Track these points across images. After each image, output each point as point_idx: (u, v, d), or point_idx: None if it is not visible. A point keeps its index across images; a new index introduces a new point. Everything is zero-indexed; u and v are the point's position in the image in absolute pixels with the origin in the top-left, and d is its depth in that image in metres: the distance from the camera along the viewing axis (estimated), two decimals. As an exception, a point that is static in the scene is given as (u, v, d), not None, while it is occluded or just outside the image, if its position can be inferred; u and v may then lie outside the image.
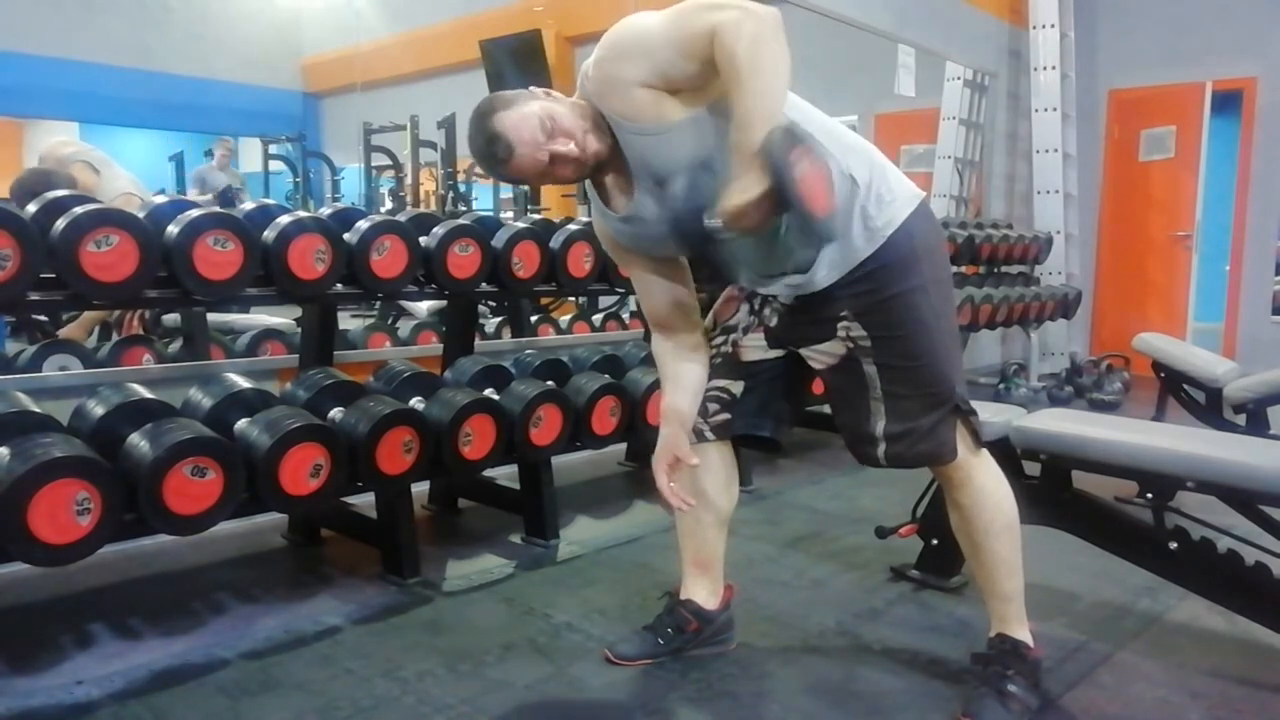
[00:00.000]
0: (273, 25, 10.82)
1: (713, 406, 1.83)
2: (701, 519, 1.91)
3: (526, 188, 6.56)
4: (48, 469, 1.69)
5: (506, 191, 8.64)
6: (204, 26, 10.08)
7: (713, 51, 1.43)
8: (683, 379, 1.82)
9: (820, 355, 1.71)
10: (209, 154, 8.72)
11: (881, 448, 1.67)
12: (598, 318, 4.88)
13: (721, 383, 1.83)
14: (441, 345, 3.16)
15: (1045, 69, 5.93)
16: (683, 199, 1.55)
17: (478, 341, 3.16)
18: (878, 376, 1.64)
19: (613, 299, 5.07)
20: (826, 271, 1.61)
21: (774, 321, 1.77)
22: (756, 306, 1.80)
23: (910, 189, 1.65)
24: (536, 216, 4.15)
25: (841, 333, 1.65)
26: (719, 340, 1.85)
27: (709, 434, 1.83)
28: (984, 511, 1.72)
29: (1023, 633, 1.74)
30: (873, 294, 1.60)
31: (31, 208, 2.06)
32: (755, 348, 1.80)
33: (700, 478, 1.86)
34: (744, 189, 1.37)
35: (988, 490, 1.72)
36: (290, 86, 11.04)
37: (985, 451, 1.75)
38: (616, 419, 2.77)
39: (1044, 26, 5.93)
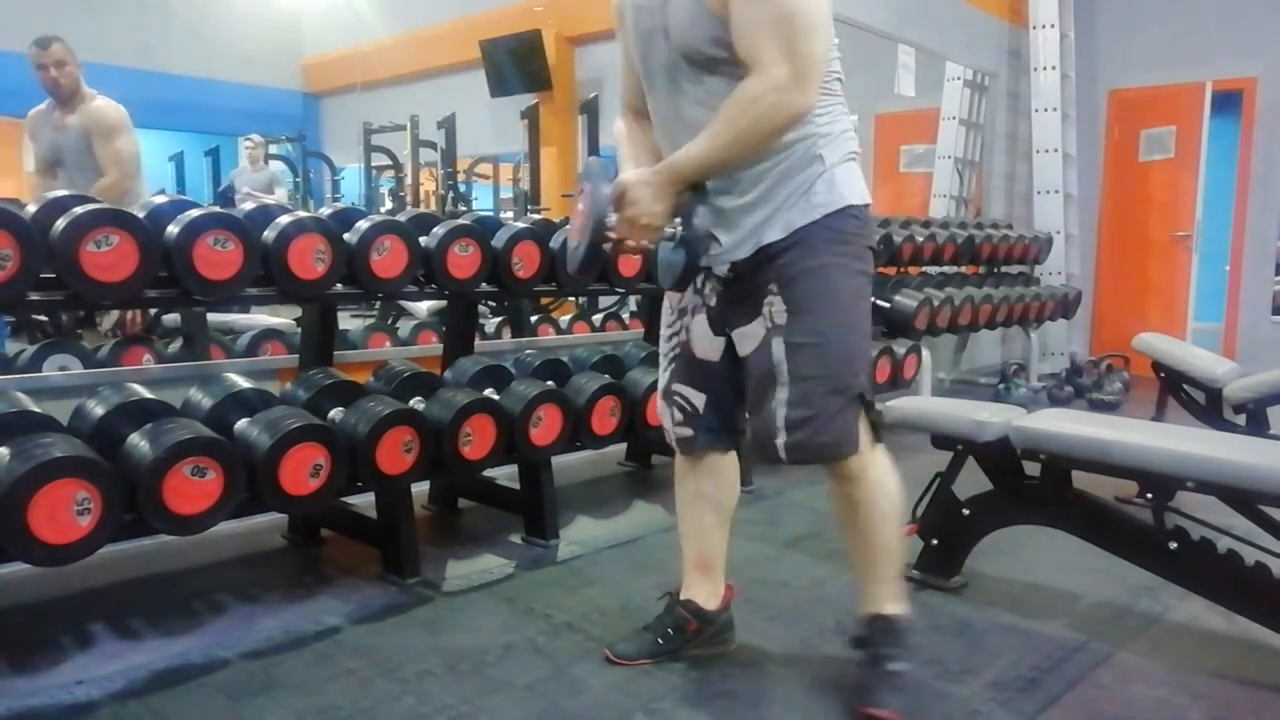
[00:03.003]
0: (273, 25, 10.82)
1: (677, 415, 1.85)
2: (704, 519, 1.93)
3: (526, 188, 6.56)
4: (48, 469, 1.69)
5: (506, 192, 8.65)
6: (204, 26, 10.07)
7: (735, 50, 1.50)
8: (642, 158, 1.75)
9: (746, 340, 1.69)
10: (208, 154, 8.72)
11: (781, 439, 1.64)
12: (598, 318, 4.88)
13: (682, 389, 1.84)
14: (441, 345, 3.16)
15: (1045, 69, 5.93)
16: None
17: (478, 341, 3.15)
18: (785, 358, 1.63)
19: (613, 299, 5.07)
20: (761, 235, 1.62)
21: (713, 300, 1.76)
22: (699, 284, 1.77)
23: (863, 191, 1.68)
24: (536, 217, 4.15)
25: (765, 309, 1.64)
26: (676, 325, 1.84)
27: (672, 442, 1.89)
28: (881, 501, 1.71)
29: (895, 606, 1.77)
30: (798, 262, 1.61)
31: (31, 207, 2.06)
32: (703, 337, 1.79)
33: (701, 479, 1.89)
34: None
35: (881, 481, 1.72)
36: (290, 86, 11.04)
37: (880, 445, 1.73)
38: (616, 419, 2.77)
39: (1044, 26, 5.93)
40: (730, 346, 1.75)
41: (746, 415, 1.79)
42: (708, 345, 1.79)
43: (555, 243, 2.82)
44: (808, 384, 1.61)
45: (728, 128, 1.50)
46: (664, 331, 1.89)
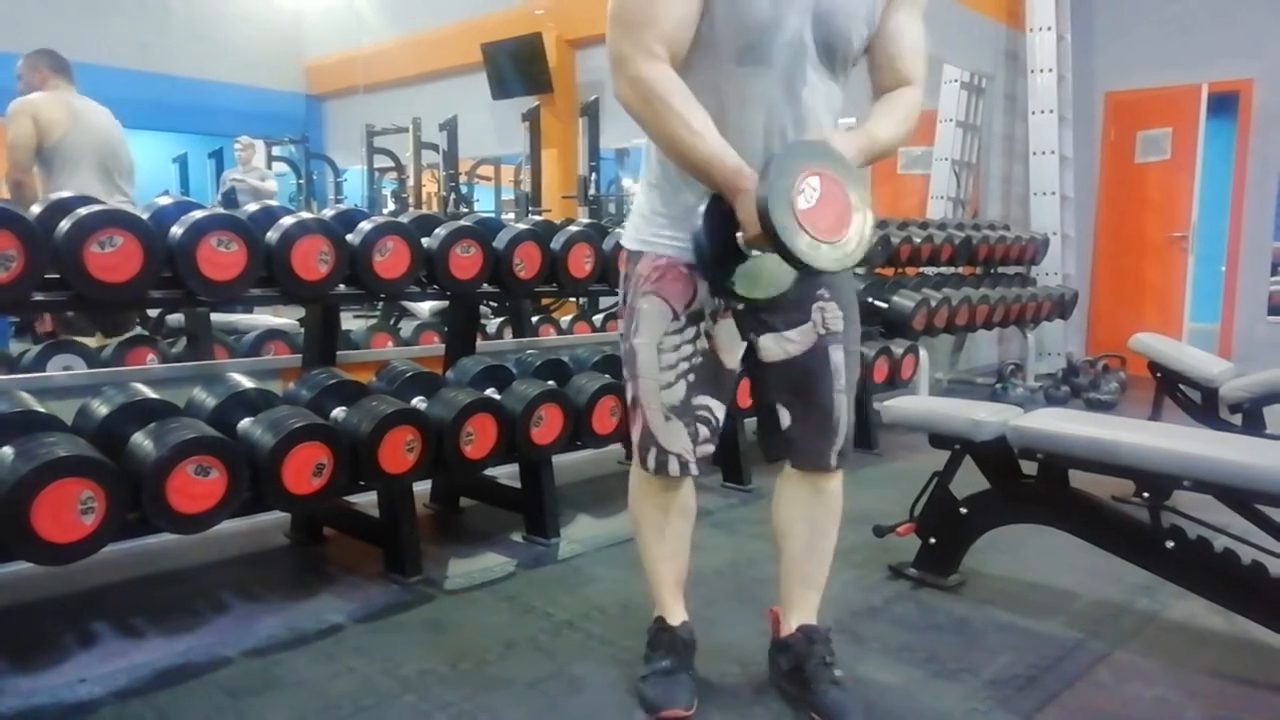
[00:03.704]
0: (275, 28, 10.84)
1: (702, 433, 1.64)
2: (686, 535, 1.80)
3: (527, 190, 6.57)
4: (52, 468, 1.71)
5: (508, 193, 8.66)
6: (206, 29, 10.09)
7: (876, 56, 1.58)
8: (702, 117, 1.41)
9: (786, 343, 1.61)
10: (212, 156, 8.74)
11: (837, 446, 1.66)
12: (598, 318, 4.90)
13: (706, 401, 1.63)
14: (443, 345, 3.17)
15: (1042, 71, 5.95)
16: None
17: (479, 342, 3.17)
18: (844, 367, 1.63)
19: (613, 299, 5.08)
20: None
21: (741, 304, 1.60)
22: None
23: None
24: (537, 218, 4.17)
25: (815, 314, 1.61)
26: (689, 333, 1.60)
27: (693, 468, 1.65)
28: (837, 503, 1.74)
29: (816, 614, 1.77)
30: (846, 273, 1.58)
31: (36, 208, 2.07)
32: (729, 342, 1.63)
33: (686, 495, 1.76)
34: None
35: (839, 484, 1.75)
36: (293, 89, 11.06)
37: None
38: (617, 418, 2.78)
39: (1041, 29, 5.95)
40: (747, 351, 1.66)
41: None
42: (732, 350, 1.64)
43: (556, 244, 2.83)
44: (852, 392, 1.67)
45: (905, 128, 1.55)
46: (666, 341, 1.60)
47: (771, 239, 1.31)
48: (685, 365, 1.61)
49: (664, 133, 1.41)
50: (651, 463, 1.65)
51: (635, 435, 1.68)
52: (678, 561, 1.79)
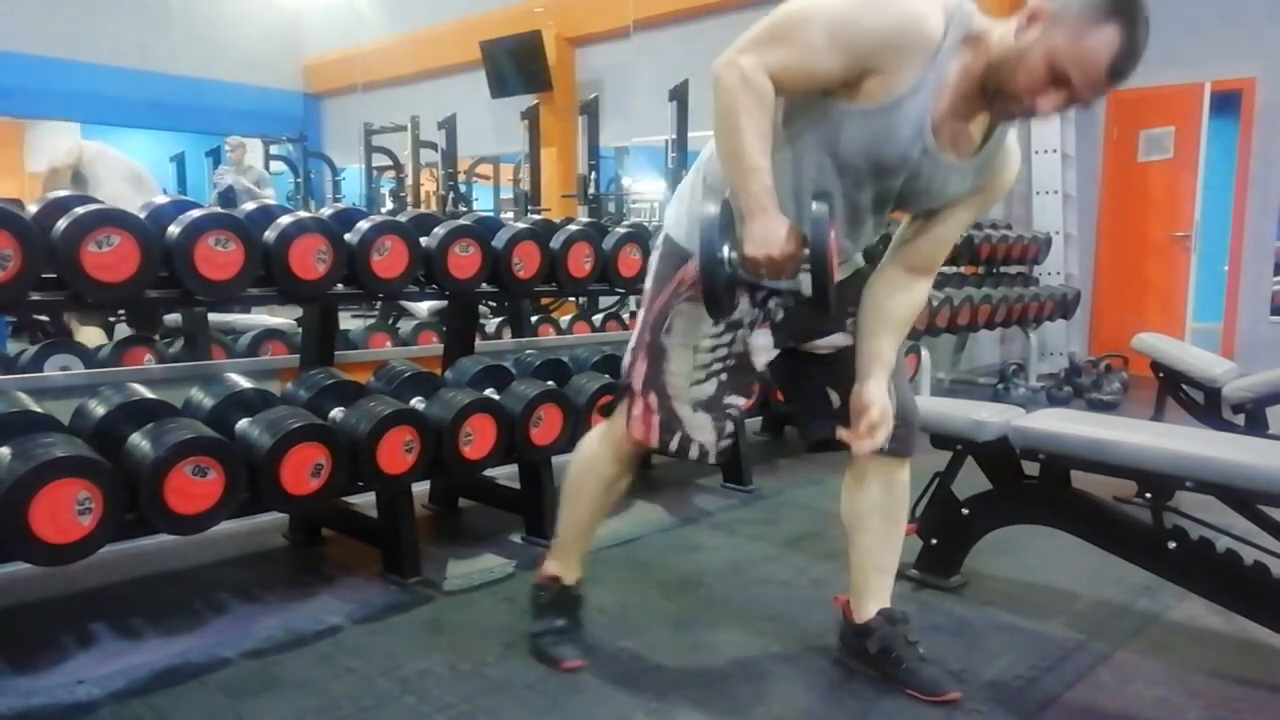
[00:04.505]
0: (274, 26, 10.84)
1: (728, 427, 1.76)
2: (608, 510, 1.95)
3: (526, 189, 6.57)
4: (49, 469, 1.70)
5: (507, 192, 8.66)
6: (205, 28, 10.10)
7: (921, 251, 1.72)
8: (768, 141, 1.48)
9: (822, 347, 1.78)
10: (209, 155, 8.74)
11: (914, 431, 1.82)
12: (598, 318, 4.90)
13: (735, 399, 1.76)
14: (442, 345, 3.17)
15: (1044, 70, 5.93)
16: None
17: (478, 341, 3.16)
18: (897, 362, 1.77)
19: (613, 299, 5.08)
20: (857, 260, 1.77)
21: (779, 315, 1.73)
22: (759, 299, 1.73)
23: None
24: (537, 217, 4.16)
25: (850, 327, 1.75)
26: (726, 338, 1.72)
27: (711, 456, 1.77)
28: (906, 492, 1.85)
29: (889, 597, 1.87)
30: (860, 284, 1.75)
31: (33, 208, 2.06)
32: (764, 348, 1.75)
33: (628, 480, 1.90)
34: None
35: (908, 474, 1.85)
36: (291, 87, 11.07)
37: None
38: (616, 419, 2.77)
39: (1043, 27, 5.93)
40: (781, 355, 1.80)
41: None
42: (763, 356, 1.76)
43: (556, 243, 2.82)
44: (908, 389, 1.86)
45: (901, 339, 1.73)
46: (704, 343, 1.72)
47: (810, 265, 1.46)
48: (719, 366, 1.73)
49: (734, 123, 1.45)
50: (675, 445, 1.75)
51: (647, 418, 1.74)
52: (595, 532, 1.97)
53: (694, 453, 1.75)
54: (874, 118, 1.47)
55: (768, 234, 1.44)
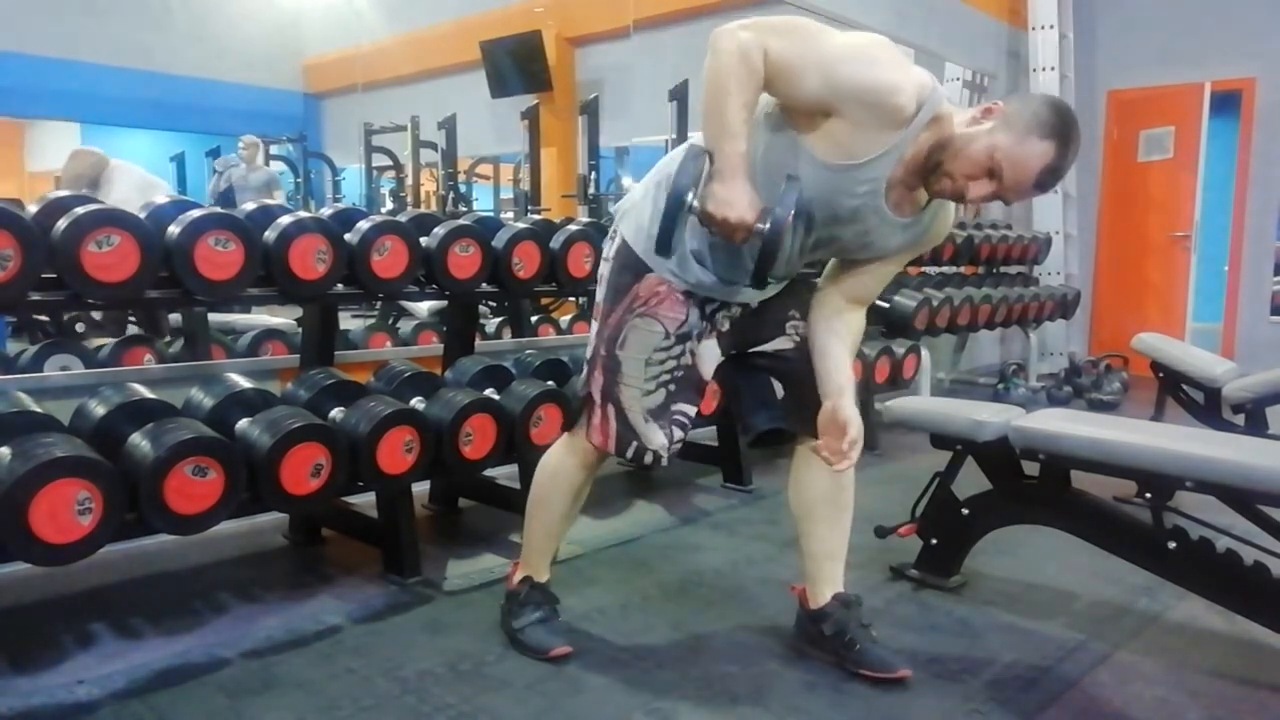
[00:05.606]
0: (274, 26, 10.83)
1: (677, 433, 1.85)
2: (574, 516, 2.01)
3: (526, 189, 6.57)
4: (49, 469, 1.70)
5: (507, 192, 8.65)
6: (205, 27, 10.09)
7: (856, 289, 1.83)
8: (750, 112, 1.56)
9: (770, 349, 1.89)
10: (211, 155, 8.73)
11: None
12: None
13: (683, 407, 1.85)
14: (442, 345, 3.16)
15: (1044, 70, 5.93)
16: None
17: (478, 341, 3.16)
18: None
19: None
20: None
21: (725, 326, 1.85)
22: (709, 312, 1.82)
23: None
24: (537, 217, 4.16)
25: (790, 330, 1.87)
26: (675, 350, 1.79)
27: (664, 460, 1.85)
28: (851, 479, 1.91)
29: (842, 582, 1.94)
30: (809, 290, 1.86)
31: (33, 208, 2.06)
32: (710, 358, 1.86)
33: (589, 486, 1.96)
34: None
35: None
36: (291, 87, 11.05)
37: None
38: (616, 419, 2.77)
39: (1043, 27, 5.94)
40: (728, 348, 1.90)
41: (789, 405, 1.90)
42: (710, 364, 1.87)
43: (556, 243, 2.82)
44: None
45: (852, 356, 1.83)
46: (655, 356, 1.79)
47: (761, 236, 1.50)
48: (667, 376, 1.81)
49: (724, 84, 1.51)
50: (631, 452, 1.82)
51: (605, 427, 1.82)
52: (562, 535, 2.03)
53: (648, 459, 1.84)
54: (837, 173, 1.58)
55: (731, 197, 1.50)
